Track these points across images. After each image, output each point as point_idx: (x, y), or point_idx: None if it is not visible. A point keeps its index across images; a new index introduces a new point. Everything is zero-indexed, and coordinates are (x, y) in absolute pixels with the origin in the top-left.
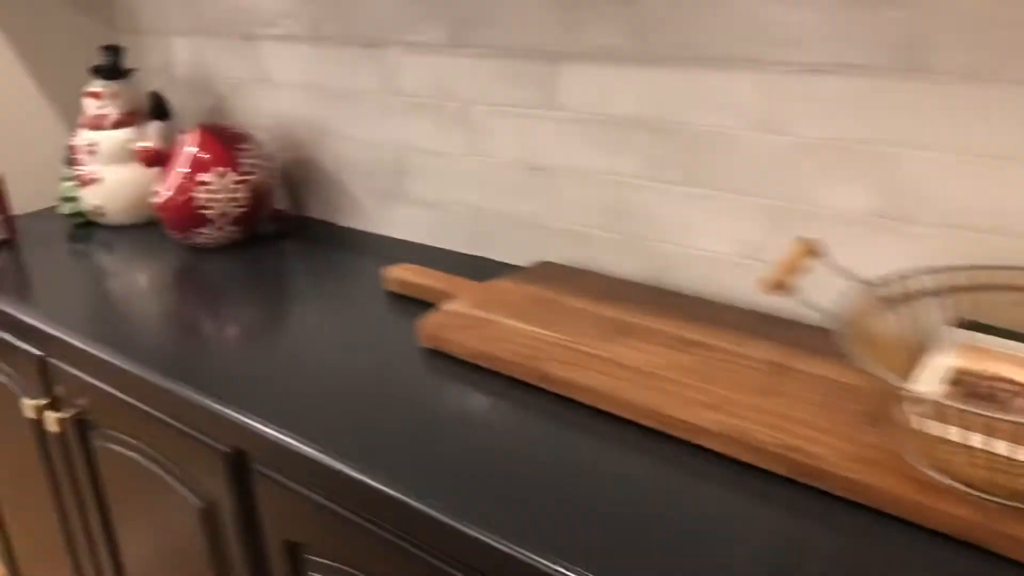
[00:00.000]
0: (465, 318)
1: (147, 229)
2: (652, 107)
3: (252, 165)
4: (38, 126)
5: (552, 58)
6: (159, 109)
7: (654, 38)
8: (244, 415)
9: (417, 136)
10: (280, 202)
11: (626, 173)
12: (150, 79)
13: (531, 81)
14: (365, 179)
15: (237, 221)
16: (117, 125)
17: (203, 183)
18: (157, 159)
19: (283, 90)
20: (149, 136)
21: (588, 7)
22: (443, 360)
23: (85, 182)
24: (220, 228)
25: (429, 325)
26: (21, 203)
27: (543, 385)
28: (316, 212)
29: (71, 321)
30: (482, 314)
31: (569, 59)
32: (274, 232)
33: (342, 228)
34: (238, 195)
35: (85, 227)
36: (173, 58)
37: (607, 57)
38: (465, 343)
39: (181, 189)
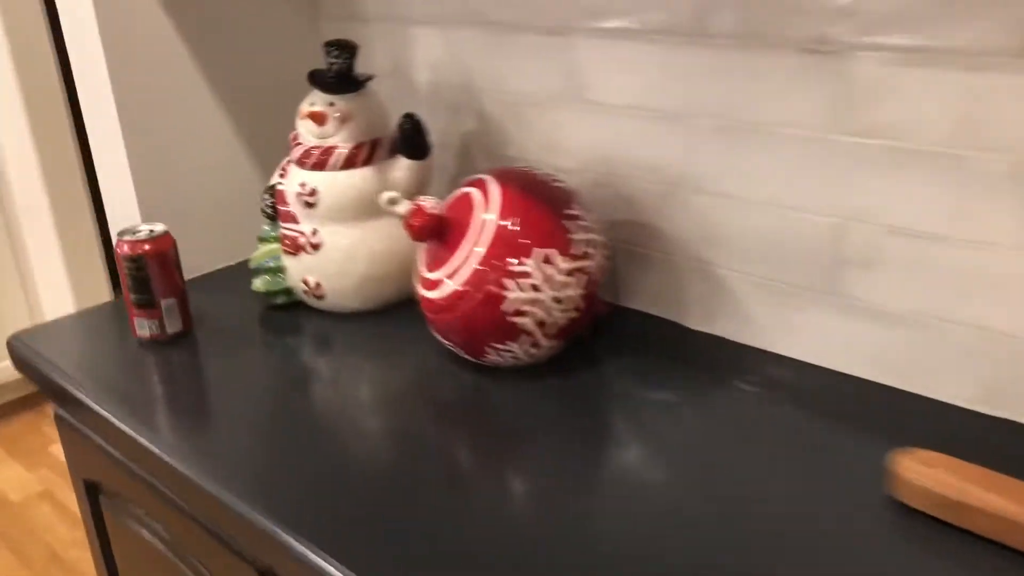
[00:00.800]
0: None
1: (385, 319)
2: None
3: (587, 242)
4: (219, 160)
5: None
6: (413, 140)
7: None
8: None
9: (895, 204)
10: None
11: None
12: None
13: None
14: (751, 263)
15: (562, 332)
16: (348, 163)
17: (518, 273)
18: (437, 229)
19: (608, 114)
20: (403, 182)
21: None
22: None
23: (296, 247)
24: (535, 344)
25: None
26: (190, 264)
27: None
28: (651, 306)
29: (295, 506)
30: None
31: None
32: (589, 334)
33: (697, 335)
34: (571, 292)
35: (288, 309)
36: (409, 58)
37: None
38: None
39: (480, 281)
